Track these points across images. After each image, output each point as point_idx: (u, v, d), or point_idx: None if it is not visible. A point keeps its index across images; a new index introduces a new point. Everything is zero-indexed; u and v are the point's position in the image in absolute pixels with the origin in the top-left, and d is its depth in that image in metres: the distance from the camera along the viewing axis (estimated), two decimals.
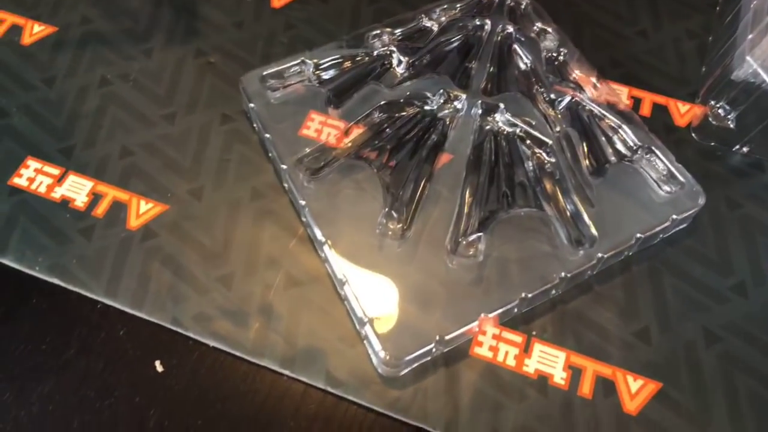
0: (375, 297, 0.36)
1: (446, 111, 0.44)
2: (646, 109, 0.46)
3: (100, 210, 0.41)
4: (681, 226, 0.41)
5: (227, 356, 0.37)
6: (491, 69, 0.46)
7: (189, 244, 0.40)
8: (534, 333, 0.37)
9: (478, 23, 0.47)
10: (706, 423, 0.35)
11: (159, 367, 0.37)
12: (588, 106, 0.44)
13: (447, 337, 0.35)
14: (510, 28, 0.47)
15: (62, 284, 0.39)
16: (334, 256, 0.38)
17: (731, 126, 0.43)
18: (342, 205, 0.40)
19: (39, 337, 0.37)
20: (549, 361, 0.37)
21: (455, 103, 0.44)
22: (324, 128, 0.43)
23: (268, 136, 0.42)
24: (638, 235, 0.38)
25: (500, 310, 0.36)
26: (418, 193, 0.40)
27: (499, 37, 0.47)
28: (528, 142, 0.42)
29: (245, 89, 0.43)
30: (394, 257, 0.38)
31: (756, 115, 0.42)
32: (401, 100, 0.44)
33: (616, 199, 0.40)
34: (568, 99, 0.44)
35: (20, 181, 0.42)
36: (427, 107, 0.44)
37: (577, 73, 0.45)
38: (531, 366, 0.36)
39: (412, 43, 0.47)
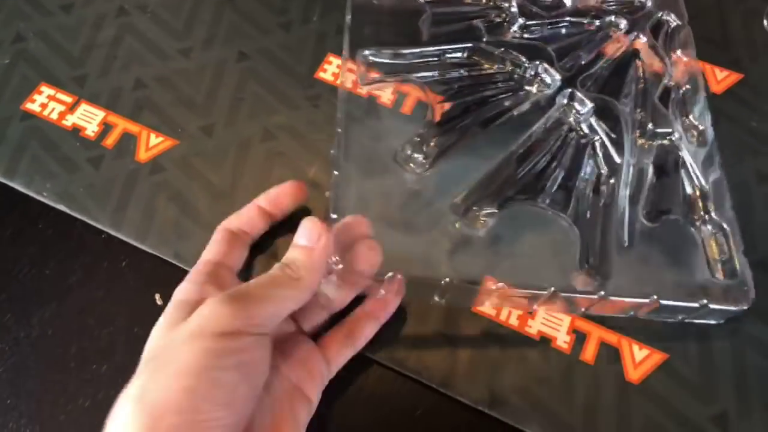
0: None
1: (533, 85, 0.40)
2: (679, 72, 0.44)
3: (110, 140, 0.41)
4: (716, 320, 0.36)
5: None
6: (602, 68, 0.42)
7: (196, 181, 0.39)
8: None
9: (614, 20, 0.43)
10: (711, 398, 0.34)
11: (159, 301, 0.37)
12: (682, 155, 0.39)
13: (403, 276, 0.33)
14: (644, 40, 0.42)
15: (69, 211, 0.39)
16: (345, 166, 0.36)
17: None
18: (381, 118, 0.40)
19: (43, 262, 0.38)
20: (553, 324, 0.36)
21: (547, 78, 0.40)
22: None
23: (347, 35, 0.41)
24: (654, 297, 0.33)
25: (468, 284, 0.34)
26: (457, 139, 0.38)
27: (628, 47, 0.43)
28: (598, 153, 0.38)
29: None
30: (404, 191, 0.37)
31: None
32: (496, 52, 0.41)
33: (656, 252, 0.35)
34: (664, 136, 0.39)
35: (33, 106, 0.42)
36: (517, 69, 0.41)
37: (690, 119, 0.40)
38: (534, 327, 0.36)
39: (537, 8, 0.43)
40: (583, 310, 0.35)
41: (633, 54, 0.42)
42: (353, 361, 0.34)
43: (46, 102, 0.42)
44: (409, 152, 0.38)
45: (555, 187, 0.37)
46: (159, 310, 0.36)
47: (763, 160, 0.40)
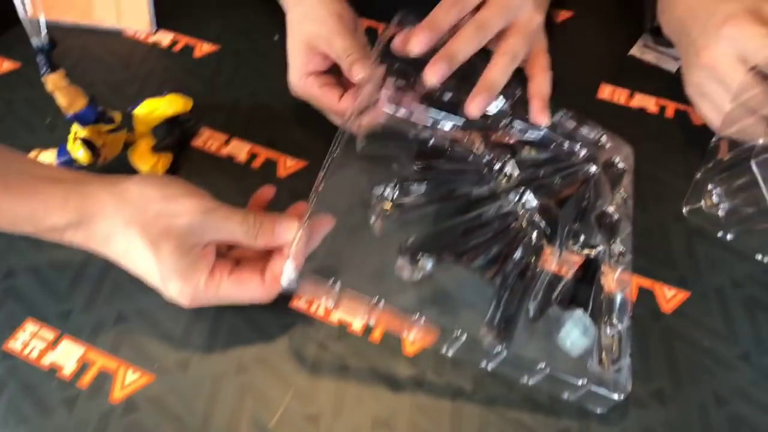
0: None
1: (498, 176, 0.48)
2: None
3: (86, 379, 0.42)
4: (596, 408, 0.40)
5: None
6: (559, 181, 0.50)
7: (169, 420, 0.40)
8: None
9: (579, 148, 0.51)
10: None
11: None
12: (602, 267, 0.45)
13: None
14: (597, 170, 0.50)
15: None
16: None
17: (720, 214, 0.46)
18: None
19: None
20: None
21: (510, 173, 0.48)
22: None
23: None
24: (543, 365, 0.39)
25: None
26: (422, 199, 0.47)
27: (584, 172, 0.50)
28: (533, 243, 0.45)
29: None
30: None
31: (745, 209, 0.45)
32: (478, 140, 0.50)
33: (556, 333, 0.41)
34: (591, 247, 0.46)
35: (15, 345, 0.43)
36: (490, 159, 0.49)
37: (617, 243, 0.47)
38: None
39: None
40: (484, 363, 0.40)
41: (586, 178, 0.50)
42: None
43: (28, 339, 0.43)
44: (380, 192, 0.47)
45: (488, 260, 0.44)
46: None
47: (721, 382, 0.42)
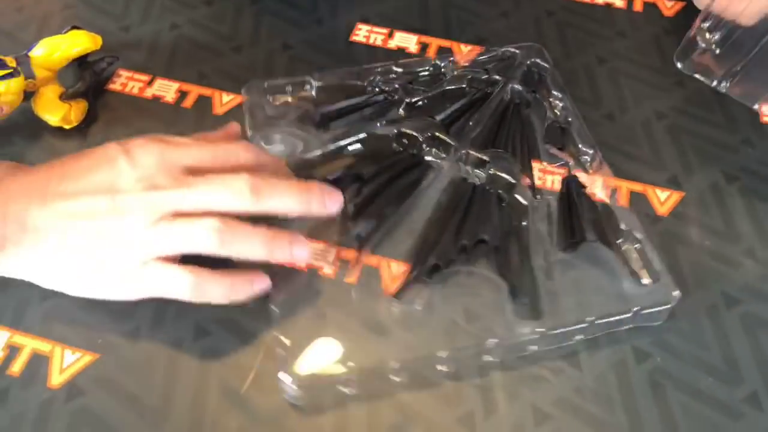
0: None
1: (430, 155, 0.42)
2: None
3: (17, 366, 0.35)
4: (653, 323, 0.37)
5: None
6: (490, 123, 0.44)
7: (123, 401, 0.34)
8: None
9: (489, 77, 0.46)
10: None
11: None
12: (579, 182, 0.41)
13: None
14: (519, 88, 0.45)
15: None
16: None
17: (717, 53, 0.42)
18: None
19: None
20: None
21: (442, 147, 0.42)
22: None
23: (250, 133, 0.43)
24: (590, 318, 0.35)
25: (414, 361, 0.35)
26: (377, 225, 0.39)
27: (507, 96, 0.45)
28: (503, 201, 0.40)
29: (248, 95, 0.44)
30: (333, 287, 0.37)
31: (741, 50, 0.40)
32: (391, 135, 0.43)
33: (580, 278, 0.37)
34: (561, 171, 0.42)
35: None
36: (413, 147, 0.43)
37: (578, 146, 0.43)
38: None
39: (417, 85, 0.46)
40: (532, 347, 0.36)
41: (512, 103, 0.45)
42: None
43: None
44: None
45: (475, 244, 0.38)
46: None
47: (728, 282, 0.39)
